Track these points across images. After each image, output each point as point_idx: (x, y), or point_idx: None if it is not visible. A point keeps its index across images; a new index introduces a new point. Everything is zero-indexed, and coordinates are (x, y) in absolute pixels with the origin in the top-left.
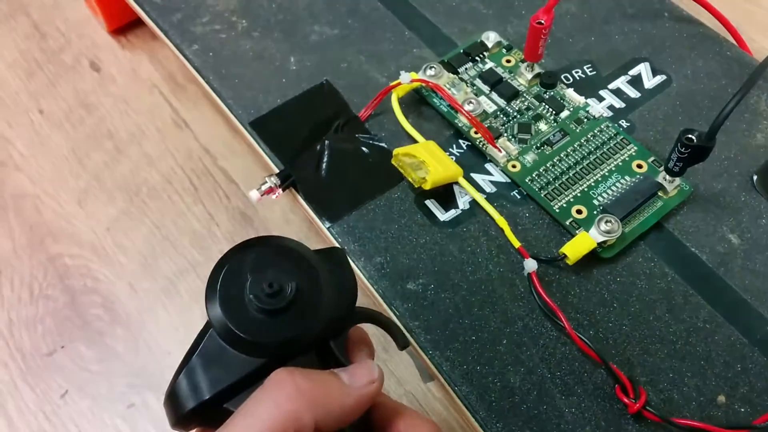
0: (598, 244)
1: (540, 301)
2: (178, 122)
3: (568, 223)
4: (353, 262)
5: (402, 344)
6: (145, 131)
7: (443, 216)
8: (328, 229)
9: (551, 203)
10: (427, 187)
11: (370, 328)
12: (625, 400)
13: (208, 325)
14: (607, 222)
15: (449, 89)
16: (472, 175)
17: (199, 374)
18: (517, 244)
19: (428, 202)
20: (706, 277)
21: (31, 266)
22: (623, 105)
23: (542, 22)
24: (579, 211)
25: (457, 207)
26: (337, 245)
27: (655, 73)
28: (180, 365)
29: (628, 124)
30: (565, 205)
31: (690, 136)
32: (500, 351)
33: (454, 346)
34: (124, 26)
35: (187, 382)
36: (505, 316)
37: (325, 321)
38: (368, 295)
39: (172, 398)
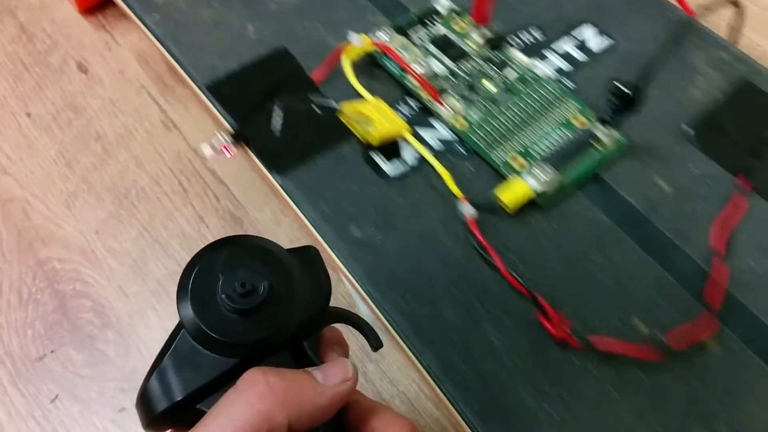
0: (538, 193)
1: (476, 243)
2: (166, 123)
3: (509, 175)
4: (300, 209)
5: (375, 345)
6: (133, 133)
7: (390, 169)
8: (278, 182)
9: (494, 157)
10: (374, 141)
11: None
12: (547, 325)
13: (179, 326)
14: (544, 172)
15: (400, 52)
16: (420, 131)
17: (171, 375)
18: (459, 194)
19: (376, 157)
20: (637, 222)
21: (19, 270)
22: (569, 66)
23: None
24: (520, 164)
25: (403, 161)
26: (310, 244)
27: (600, 35)
28: (151, 366)
29: (574, 86)
30: (507, 159)
31: (619, 84)
32: (437, 290)
33: (391, 282)
34: (95, 6)
35: (159, 384)
36: (445, 259)
37: (298, 321)
38: (315, 242)
39: (144, 400)
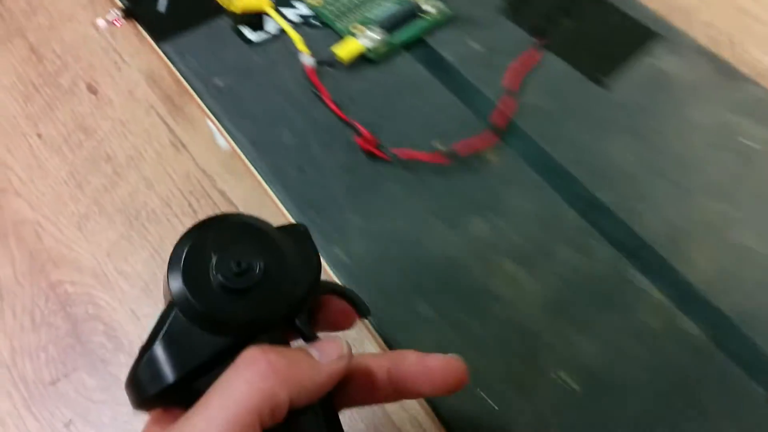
0: (369, 49)
1: (312, 85)
2: (175, 144)
3: (349, 36)
4: (176, 69)
5: (363, 312)
6: (143, 154)
7: (254, 37)
8: (159, 46)
9: (339, 25)
10: (236, 10)
11: None
12: (360, 141)
13: (170, 306)
14: (375, 32)
15: None
16: (283, 10)
17: (163, 357)
18: (305, 50)
19: (243, 28)
20: (449, 72)
21: (32, 293)
22: None
23: None
24: (360, 29)
25: (266, 32)
26: (296, 222)
27: None
28: (142, 349)
29: None
30: (350, 27)
31: None
32: (280, 121)
33: (246, 121)
34: None
35: (150, 367)
36: (290, 97)
37: (291, 298)
38: (185, 92)
39: (134, 383)
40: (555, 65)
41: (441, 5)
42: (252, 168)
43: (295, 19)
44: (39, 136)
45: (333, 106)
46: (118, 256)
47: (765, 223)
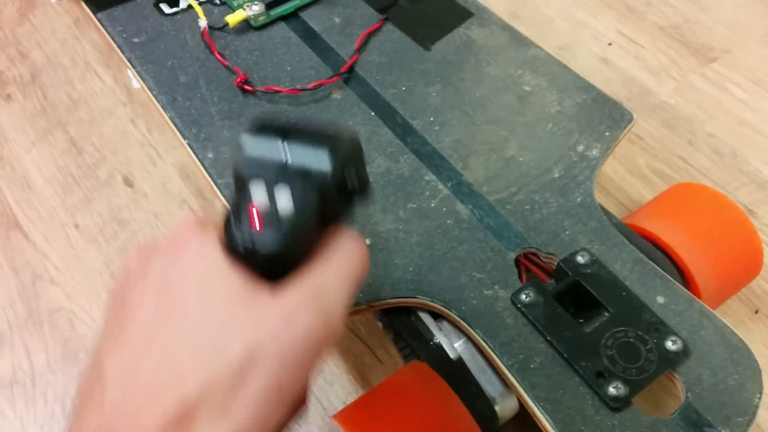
0: (251, 17)
1: (204, 42)
2: None
3: (238, 10)
4: (105, 31)
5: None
6: None
7: (167, 10)
8: (96, 17)
9: (234, 2)
10: None
11: None
12: (236, 80)
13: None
14: (256, 4)
15: None
16: None
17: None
18: (202, 16)
19: (162, 5)
20: (314, 38)
21: (64, 381)
22: None
23: None
24: (248, 6)
25: (179, 7)
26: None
27: None
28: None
29: None
30: (243, 5)
31: None
32: (180, 71)
33: (156, 65)
34: None
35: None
36: (189, 51)
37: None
38: (112, 48)
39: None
40: (393, 34)
41: None
42: (152, 98)
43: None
44: (76, 226)
45: (219, 56)
46: None
47: (527, 141)
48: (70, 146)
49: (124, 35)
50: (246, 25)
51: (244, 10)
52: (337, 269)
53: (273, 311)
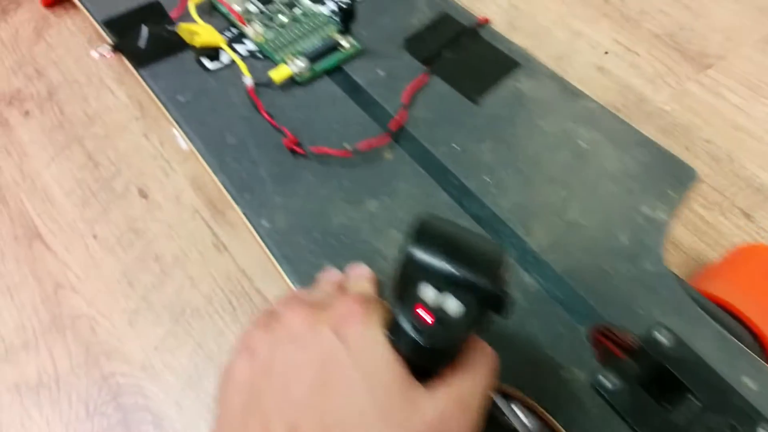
0: (296, 74)
1: (250, 100)
2: (218, 246)
3: (283, 64)
4: (150, 89)
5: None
6: (188, 254)
7: (211, 66)
8: (139, 72)
9: (276, 56)
10: (197, 45)
11: None
12: (285, 141)
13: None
14: (299, 59)
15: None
16: (236, 46)
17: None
18: (247, 74)
19: (203, 59)
20: (358, 91)
21: (87, 384)
22: (335, 8)
23: None
24: (291, 60)
25: (221, 62)
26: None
27: None
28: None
29: (340, 21)
30: (284, 57)
31: (339, 3)
32: (226, 129)
33: (203, 126)
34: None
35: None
36: (235, 110)
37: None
38: (155, 104)
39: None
40: (440, 87)
41: (354, 41)
42: (203, 161)
43: (244, 52)
44: (95, 237)
45: (266, 115)
46: (164, 350)
47: (588, 202)
48: (87, 160)
49: (168, 93)
50: (290, 80)
51: (287, 64)
52: (480, 377)
53: (430, 410)
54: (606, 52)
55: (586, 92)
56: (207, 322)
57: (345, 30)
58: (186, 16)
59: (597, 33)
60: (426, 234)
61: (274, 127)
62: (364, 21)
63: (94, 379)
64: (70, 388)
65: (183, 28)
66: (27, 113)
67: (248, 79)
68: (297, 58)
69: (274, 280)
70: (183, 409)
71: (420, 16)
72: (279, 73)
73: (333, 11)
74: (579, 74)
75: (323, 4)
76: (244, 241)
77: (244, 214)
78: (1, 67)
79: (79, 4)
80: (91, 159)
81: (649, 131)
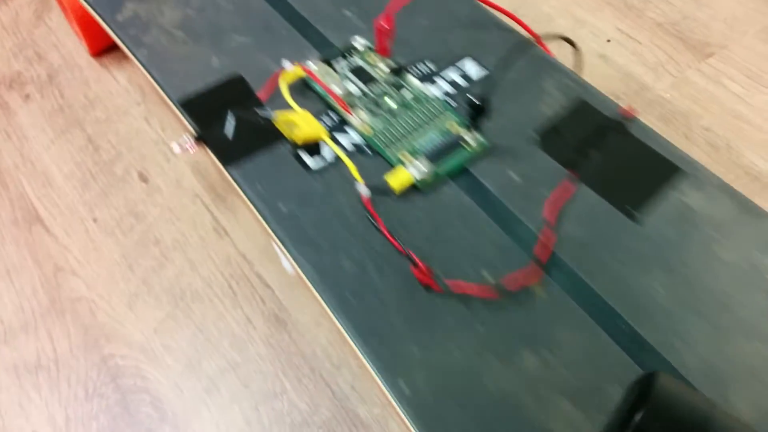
0: (417, 180)
1: (368, 215)
2: (218, 230)
3: (399, 166)
4: (241, 191)
5: None
6: (188, 238)
7: (312, 163)
8: (227, 170)
9: (389, 154)
10: (298, 141)
11: None
12: (417, 273)
13: None
14: (422, 163)
15: (323, 77)
16: (336, 135)
17: None
18: (359, 179)
19: (303, 155)
20: (493, 204)
21: (86, 366)
22: (454, 90)
23: (385, 26)
24: (408, 160)
25: (323, 158)
26: None
27: (478, 66)
28: None
29: (456, 104)
30: (398, 155)
31: (469, 97)
32: (339, 249)
33: (309, 248)
34: (103, 50)
35: None
36: (348, 224)
37: None
38: (254, 216)
39: None
40: (588, 197)
41: (479, 137)
42: (317, 294)
43: (349, 146)
44: (95, 220)
45: (389, 237)
46: (164, 332)
47: None
48: (87, 144)
49: (268, 201)
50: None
51: (406, 167)
52: None
53: None
54: (608, 40)
55: (589, 81)
56: (207, 306)
57: (473, 126)
58: (276, 97)
59: (600, 21)
60: (659, 405)
61: (400, 251)
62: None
63: (93, 361)
64: (69, 369)
65: (280, 120)
66: (27, 96)
67: (363, 188)
68: (416, 158)
69: (273, 265)
70: (182, 391)
71: (552, 103)
72: (399, 180)
73: (447, 93)
74: (581, 62)
75: (432, 83)
76: (245, 225)
77: (377, 373)
78: (2, 50)
79: (151, 80)
80: (91, 143)
81: (648, 119)
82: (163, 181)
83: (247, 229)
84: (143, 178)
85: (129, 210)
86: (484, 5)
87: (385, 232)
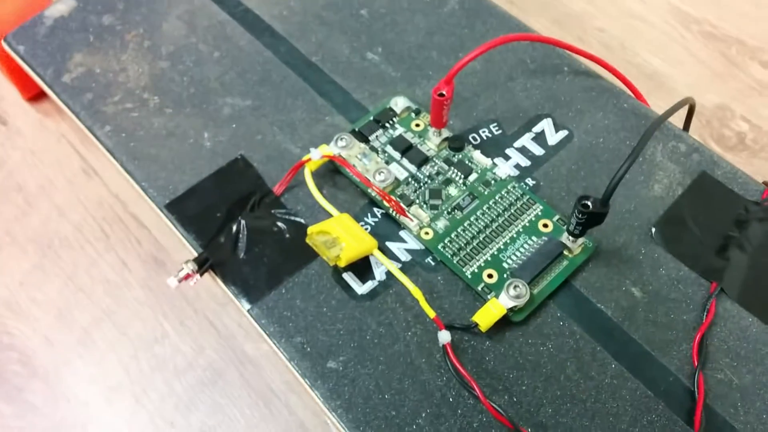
0: (508, 309)
1: (455, 372)
2: (87, 171)
3: (480, 288)
4: (274, 343)
5: None
6: (54, 182)
7: (360, 289)
8: (248, 311)
9: (463, 269)
10: (341, 264)
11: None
12: None
13: None
14: (515, 287)
15: (360, 159)
16: (387, 244)
17: None
18: (432, 314)
19: (345, 276)
20: (611, 332)
21: None
22: (528, 163)
23: (443, 93)
24: (490, 275)
25: (373, 278)
26: None
27: (557, 128)
28: None
29: (534, 182)
30: (476, 270)
31: (586, 202)
32: (420, 424)
33: (375, 423)
34: (40, 93)
35: None
36: (424, 387)
37: None
38: (290, 374)
39: None
40: (736, 317)
41: (582, 239)
42: None
43: (403, 256)
44: None
45: (489, 406)
46: (31, 284)
47: None
48: None
49: (315, 356)
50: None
51: (489, 287)
52: None
53: None
54: None
55: None
56: (78, 253)
57: (580, 234)
58: (298, 191)
59: None
60: None
61: (502, 422)
62: (577, 188)
63: None
64: None
65: (314, 235)
66: None
67: (444, 334)
68: (503, 275)
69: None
70: (53, 344)
71: (666, 180)
72: (489, 317)
73: (518, 167)
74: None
75: (501, 156)
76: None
77: None
78: None
79: (122, 170)
80: None
81: (542, 23)
82: (23, 122)
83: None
84: (1, 121)
85: None
86: (562, 50)
87: (483, 401)
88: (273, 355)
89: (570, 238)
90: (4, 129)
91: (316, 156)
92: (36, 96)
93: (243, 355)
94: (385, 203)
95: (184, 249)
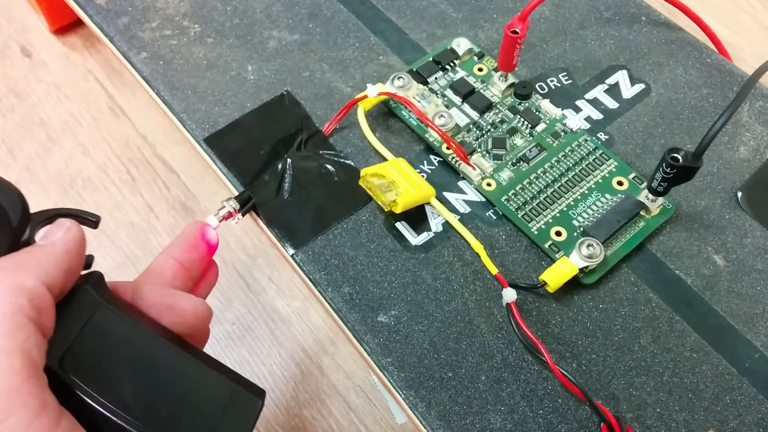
0: (580, 269)
1: (519, 333)
2: (114, 109)
3: (547, 246)
4: (320, 292)
5: (94, 220)
6: (79, 119)
7: (415, 240)
8: (292, 256)
9: (529, 225)
10: (397, 210)
11: None
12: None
13: None
14: (588, 246)
15: (419, 102)
16: (445, 194)
17: None
18: (494, 270)
19: (399, 225)
20: (690, 302)
21: None
22: (601, 116)
23: (517, 31)
24: (558, 233)
25: (429, 229)
26: None
27: (633, 81)
28: None
29: (607, 137)
30: (543, 227)
31: (676, 155)
32: (479, 388)
33: (429, 384)
34: (68, 25)
35: None
36: (483, 349)
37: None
38: (339, 327)
39: None
40: None
41: (662, 199)
42: None
43: (461, 207)
44: None
45: (558, 373)
46: None
47: None
48: None
49: (359, 310)
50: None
51: (557, 245)
52: None
53: None
54: None
55: None
56: (101, 194)
57: (663, 192)
58: (347, 133)
59: None
60: None
61: (576, 395)
62: (654, 146)
63: None
64: None
65: (369, 177)
66: None
67: (509, 293)
68: (574, 234)
69: (179, 146)
70: None
71: (754, 143)
72: (558, 276)
73: (590, 119)
74: None
75: (571, 107)
76: (145, 103)
77: None
78: None
79: (157, 99)
80: None
81: None
82: (49, 55)
83: (148, 107)
84: (26, 53)
85: (9, 88)
86: None
87: (552, 366)
88: (305, 313)
89: (650, 196)
90: (28, 61)
91: (373, 93)
92: (62, 28)
93: (274, 312)
94: (445, 149)
95: (216, 195)
